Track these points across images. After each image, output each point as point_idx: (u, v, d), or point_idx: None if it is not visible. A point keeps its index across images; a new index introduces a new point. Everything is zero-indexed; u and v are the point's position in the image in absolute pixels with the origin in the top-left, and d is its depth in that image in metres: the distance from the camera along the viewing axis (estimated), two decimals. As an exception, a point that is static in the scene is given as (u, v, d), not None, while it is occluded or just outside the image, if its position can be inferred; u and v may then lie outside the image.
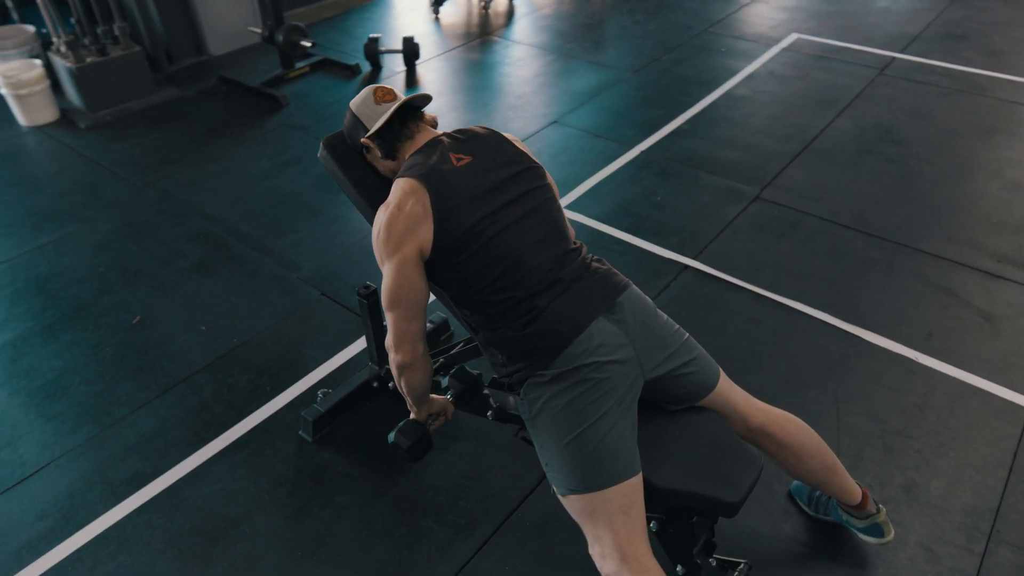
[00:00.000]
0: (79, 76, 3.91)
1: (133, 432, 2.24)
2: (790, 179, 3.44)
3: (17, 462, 2.16)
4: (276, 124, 3.98)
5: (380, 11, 5.61)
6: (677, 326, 1.66)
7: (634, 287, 1.64)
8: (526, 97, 4.26)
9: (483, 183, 1.55)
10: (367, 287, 2.12)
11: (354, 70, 4.53)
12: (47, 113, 4.00)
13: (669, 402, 1.64)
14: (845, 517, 1.88)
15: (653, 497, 1.53)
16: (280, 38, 4.21)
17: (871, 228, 3.09)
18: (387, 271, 1.52)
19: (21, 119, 3.97)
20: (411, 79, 4.52)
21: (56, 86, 4.13)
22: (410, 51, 4.50)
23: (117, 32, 4.00)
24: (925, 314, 2.65)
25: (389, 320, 1.54)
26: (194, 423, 2.27)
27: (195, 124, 4.01)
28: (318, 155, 1.82)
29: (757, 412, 1.71)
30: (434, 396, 1.79)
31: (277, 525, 1.99)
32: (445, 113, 4.09)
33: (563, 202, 3.29)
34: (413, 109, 1.66)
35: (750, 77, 4.42)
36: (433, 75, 4.57)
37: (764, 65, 4.56)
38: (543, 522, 1.97)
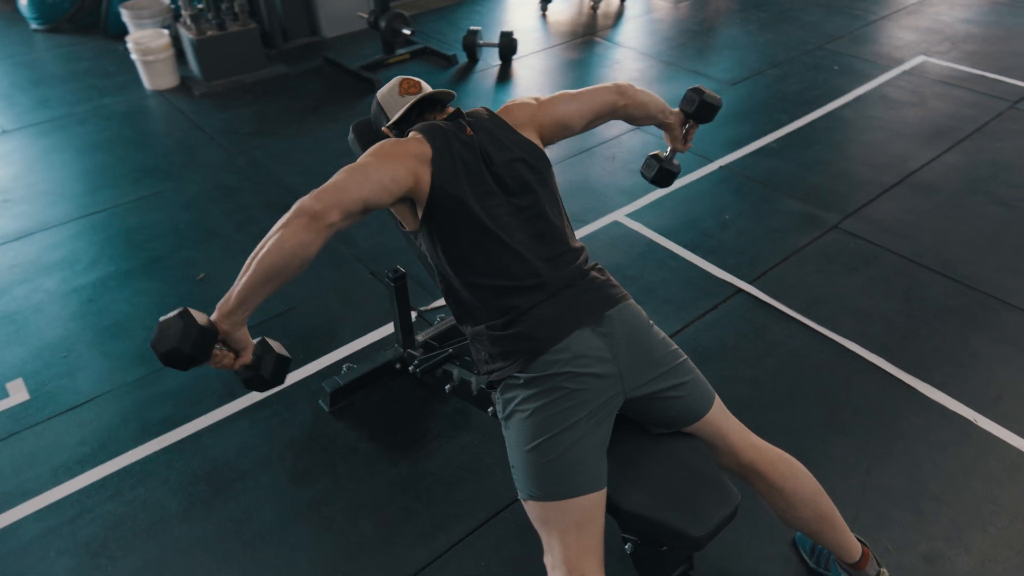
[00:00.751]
0: (199, 47, 4.24)
1: (175, 380, 2.42)
2: (877, 211, 3.20)
3: (73, 390, 2.39)
4: (366, 106, 4.14)
5: (491, 4, 5.69)
6: (674, 347, 1.59)
7: (630, 302, 1.59)
8: (614, 101, 4.20)
9: (484, 165, 1.54)
10: (396, 270, 2.18)
11: (451, 60, 4.63)
12: (169, 79, 4.37)
13: (654, 424, 1.59)
14: (842, 575, 1.75)
15: (617, 518, 1.50)
16: (383, 24, 4.37)
17: (957, 273, 2.83)
18: (374, 158, 1.43)
19: (146, 83, 4.36)
20: (504, 73, 4.57)
21: (181, 55, 4.49)
22: (506, 46, 4.55)
23: (237, 9, 4.30)
24: (999, 374, 2.40)
25: (335, 176, 1.36)
26: (229, 378, 2.42)
27: (294, 100, 4.25)
28: (348, 138, 1.88)
29: (749, 448, 1.62)
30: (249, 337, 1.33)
31: (279, 485, 2.09)
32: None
33: (626, 210, 3.23)
34: (433, 103, 1.68)
35: (859, 99, 4.15)
36: (527, 71, 4.59)
37: (878, 88, 4.26)
38: (527, 526, 1.94)
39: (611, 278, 1.62)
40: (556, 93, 1.73)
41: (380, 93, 1.73)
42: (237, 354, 1.31)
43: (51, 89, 4.41)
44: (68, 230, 3.16)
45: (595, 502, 1.44)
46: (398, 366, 2.37)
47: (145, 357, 2.51)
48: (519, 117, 1.65)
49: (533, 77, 4.52)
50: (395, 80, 1.71)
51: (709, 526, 1.43)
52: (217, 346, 1.27)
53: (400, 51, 4.63)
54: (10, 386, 2.40)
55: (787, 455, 1.65)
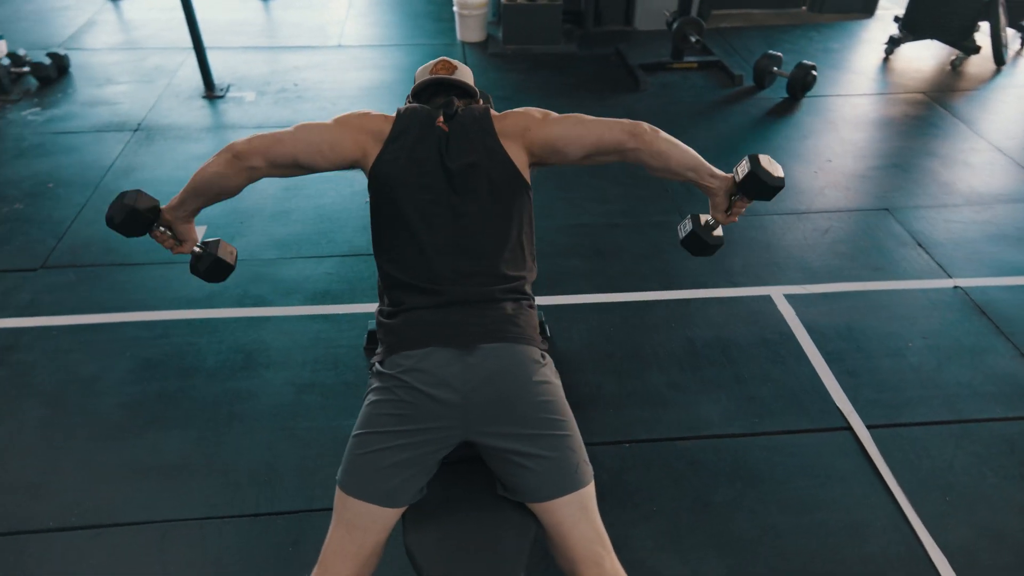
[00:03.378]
0: (505, 12, 4.61)
1: (288, 272, 2.82)
2: None
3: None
4: (617, 103, 4.10)
5: (832, 35, 5.08)
6: (555, 416, 1.40)
7: (523, 348, 1.43)
8: (884, 170, 3.51)
9: (440, 159, 1.50)
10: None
11: (735, 81, 4.30)
12: (476, 34, 4.85)
13: (501, 483, 1.44)
14: None
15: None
16: (674, 27, 4.23)
17: None
18: (333, 122, 1.53)
19: (458, 33, 4.90)
20: (783, 109, 4.09)
21: (498, 17, 4.93)
22: (797, 79, 4.05)
23: (550, -15, 4.55)
24: None
25: (289, 128, 1.51)
26: (319, 289, 2.74)
27: (558, 79, 4.39)
28: (406, 104, 1.96)
29: (592, 566, 1.37)
30: (198, 227, 1.68)
31: (286, 386, 2.34)
32: (765, 151, 3.65)
33: (789, 289, 2.75)
34: (448, 88, 1.67)
35: None
36: (808, 114, 4.05)
37: None
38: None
39: (520, 318, 1.48)
40: (570, 114, 1.58)
41: (420, 68, 1.77)
42: (179, 242, 1.60)
43: (400, 22, 5.22)
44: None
45: (375, 515, 1.38)
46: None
47: (284, 246, 2.96)
48: (508, 127, 1.55)
49: (810, 122, 3.97)
50: (436, 58, 1.74)
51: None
52: (161, 229, 1.56)
53: (689, 59, 4.44)
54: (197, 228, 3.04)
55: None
